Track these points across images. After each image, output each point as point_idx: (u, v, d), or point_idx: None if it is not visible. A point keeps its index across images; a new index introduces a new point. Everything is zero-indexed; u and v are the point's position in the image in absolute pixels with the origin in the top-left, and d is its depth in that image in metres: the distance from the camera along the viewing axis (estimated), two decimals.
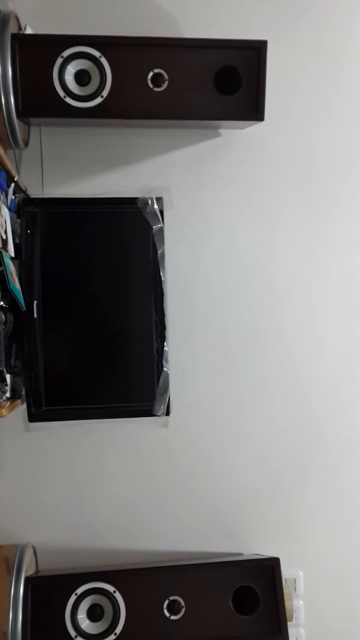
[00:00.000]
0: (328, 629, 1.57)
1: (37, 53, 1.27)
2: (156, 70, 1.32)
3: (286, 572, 1.43)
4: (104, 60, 1.29)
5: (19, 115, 1.29)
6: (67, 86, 1.28)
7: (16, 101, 1.27)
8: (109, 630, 1.29)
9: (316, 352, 1.56)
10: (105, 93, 1.30)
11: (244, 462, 1.54)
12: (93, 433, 1.49)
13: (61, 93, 1.28)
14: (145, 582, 1.34)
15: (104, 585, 1.31)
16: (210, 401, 1.53)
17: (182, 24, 1.47)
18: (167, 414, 1.37)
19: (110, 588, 1.31)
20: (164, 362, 1.38)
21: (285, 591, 1.38)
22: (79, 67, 1.29)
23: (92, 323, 1.37)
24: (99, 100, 1.30)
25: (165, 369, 1.38)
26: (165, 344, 1.37)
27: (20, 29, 1.36)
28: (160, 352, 1.37)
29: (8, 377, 1.25)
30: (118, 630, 1.29)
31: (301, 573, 1.56)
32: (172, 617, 1.32)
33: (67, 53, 1.28)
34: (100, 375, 1.37)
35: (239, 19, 1.49)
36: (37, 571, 1.45)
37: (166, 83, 1.33)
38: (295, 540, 1.56)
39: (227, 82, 1.35)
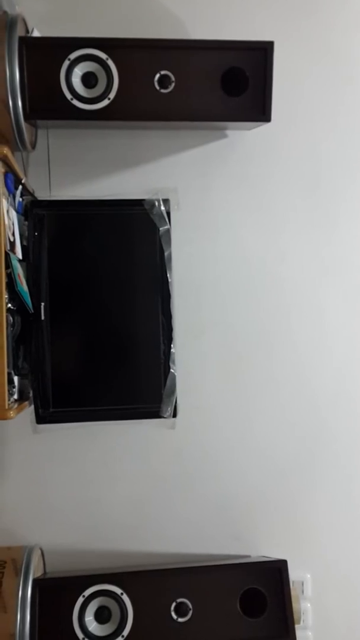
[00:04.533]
0: (336, 631, 1.57)
1: (44, 56, 1.28)
2: (163, 72, 1.32)
3: (294, 574, 1.43)
4: (110, 63, 1.29)
5: (26, 118, 1.29)
6: (74, 88, 1.29)
7: (23, 104, 1.28)
8: (117, 632, 1.29)
9: (323, 355, 1.56)
10: (112, 95, 1.30)
11: (251, 464, 1.54)
12: (100, 435, 1.49)
13: (68, 95, 1.28)
14: (153, 584, 1.34)
15: (111, 588, 1.31)
16: (217, 403, 1.53)
17: (189, 26, 1.47)
18: (174, 415, 1.37)
19: (117, 590, 1.31)
20: (170, 364, 1.38)
21: (292, 593, 1.38)
22: (86, 70, 1.30)
23: (99, 325, 1.38)
24: (106, 102, 1.30)
25: (172, 370, 1.38)
26: (172, 345, 1.37)
27: (27, 31, 1.37)
28: (167, 354, 1.37)
29: (16, 379, 1.26)
30: (125, 632, 1.29)
31: (309, 575, 1.55)
32: (180, 620, 1.32)
33: (74, 55, 1.28)
34: (107, 377, 1.38)
35: (246, 20, 1.49)
36: (44, 573, 1.45)
37: (173, 85, 1.33)
38: (303, 542, 1.56)
39: (233, 83, 1.35)
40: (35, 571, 1.32)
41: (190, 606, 1.33)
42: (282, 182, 1.54)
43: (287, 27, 1.51)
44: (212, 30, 1.42)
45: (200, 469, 1.53)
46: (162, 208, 1.36)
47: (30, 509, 1.49)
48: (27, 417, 1.35)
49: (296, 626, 1.37)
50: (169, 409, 1.37)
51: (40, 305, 1.31)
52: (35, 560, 1.35)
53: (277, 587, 1.36)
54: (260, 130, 1.47)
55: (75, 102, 1.29)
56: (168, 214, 1.37)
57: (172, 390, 1.37)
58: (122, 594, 1.30)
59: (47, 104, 1.29)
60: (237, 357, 1.53)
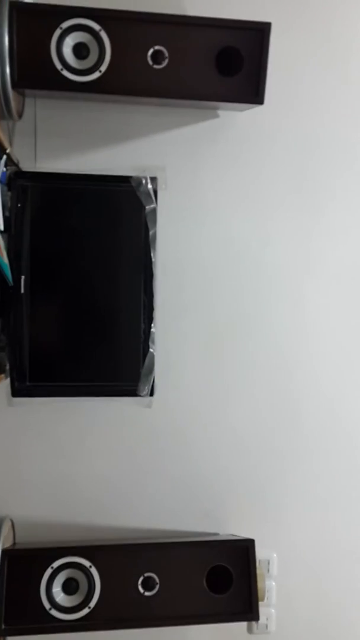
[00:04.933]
0: (298, 609, 1.61)
1: (35, 23, 1.24)
2: (157, 47, 1.29)
3: (260, 553, 1.46)
4: (103, 34, 1.26)
5: (14, 86, 1.26)
6: (64, 59, 1.26)
7: (12, 71, 1.24)
8: (83, 603, 1.31)
9: (304, 340, 1.57)
10: (103, 68, 1.27)
11: (224, 445, 1.56)
12: (76, 410, 1.50)
13: (58, 65, 1.25)
14: (121, 558, 1.36)
15: (80, 560, 1.32)
16: (194, 384, 1.54)
17: (186, 1, 1.44)
18: (151, 394, 1.38)
19: (86, 563, 1.32)
20: (150, 343, 1.38)
21: (258, 572, 1.41)
22: (77, 40, 1.26)
23: (80, 300, 1.37)
24: (96, 74, 1.27)
25: (151, 350, 1.38)
26: (152, 325, 1.38)
27: None
28: (147, 333, 1.38)
29: None
30: (92, 603, 1.31)
31: (275, 555, 1.59)
32: (147, 593, 1.35)
33: (66, 25, 1.25)
34: (85, 353, 1.38)
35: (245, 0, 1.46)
36: (14, 544, 1.46)
37: (166, 61, 1.30)
38: (271, 522, 1.59)
39: (228, 63, 1.33)
40: (4, 542, 1.34)
41: (157, 580, 1.35)
42: (272, 166, 1.53)
43: (286, 9, 1.48)
44: (209, 8, 1.39)
45: (173, 447, 1.54)
46: (149, 186, 1.35)
47: (2, 481, 1.49)
48: (3, 389, 1.35)
49: (260, 603, 1.40)
50: (146, 387, 1.38)
51: (20, 278, 1.30)
52: (5, 531, 1.36)
53: (244, 565, 1.39)
54: (252, 113, 1.46)
55: (65, 73, 1.26)
56: (155, 192, 1.36)
57: (150, 370, 1.38)
58: (90, 566, 1.32)
59: (36, 72, 1.26)
60: (217, 339, 1.54)
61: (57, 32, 1.25)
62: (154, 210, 1.36)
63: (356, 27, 1.52)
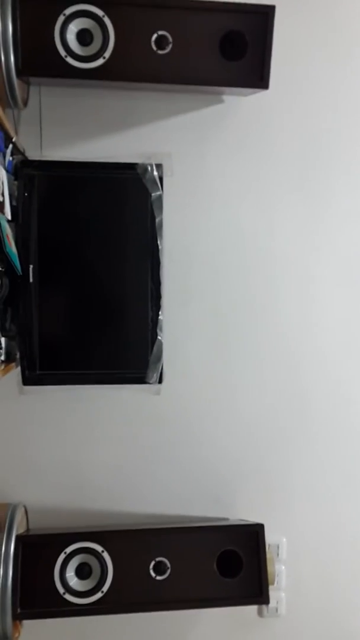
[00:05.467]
0: (307, 593, 1.63)
1: (38, 10, 1.23)
2: (160, 33, 1.28)
3: (270, 537, 1.47)
4: (107, 20, 1.26)
5: (18, 74, 1.25)
6: (68, 46, 1.25)
7: (16, 59, 1.24)
8: (96, 588, 1.33)
9: (310, 328, 1.57)
10: (107, 54, 1.26)
11: (234, 431, 1.57)
12: (86, 398, 1.51)
13: (62, 52, 1.25)
14: (133, 543, 1.38)
15: (92, 545, 1.34)
16: (202, 371, 1.54)
17: None
18: (160, 382, 1.39)
19: (98, 548, 1.34)
20: (158, 331, 1.38)
21: (268, 556, 1.42)
22: (81, 26, 1.26)
23: (88, 289, 1.37)
24: (101, 61, 1.27)
25: (159, 337, 1.38)
26: (160, 312, 1.38)
27: None
28: (155, 321, 1.38)
29: (3, 340, 1.26)
30: (105, 588, 1.33)
31: (284, 539, 1.60)
32: (158, 578, 1.36)
33: (69, 11, 1.24)
34: (94, 341, 1.38)
35: None
36: (27, 530, 1.48)
37: (170, 46, 1.29)
38: (280, 507, 1.60)
39: (232, 47, 1.32)
40: (18, 528, 1.35)
41: (169, 565, 1.36)
42: (278, 151, 1.52)
43: None
44: None
45: (183, 434, 1.55)
46: (155, 173, 1.35)
47: (15, 468, 1.51)
48: (14, 378, 1.35)
49: (270, 587, 1.41)
50: (154, 375, 1.38)
51: (29, 267, 1.30)
52: (19, 517, 1.38)
53: (253, 549, 1.40)
54: (257, 97, 1.45)
55: (70, 60, 1.25)
56: (161, 179, 1.35)
57: (159, 357, 1.38)
58: (102, 551, 1.34)
59: (40, 60, 1.25)
60: (224, 327, 1.54)
61: (61, 19, 1.24)
62: (160, 198, 1.35)
63: (358, 8, 1.50)
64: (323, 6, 1.49)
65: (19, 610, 1.30)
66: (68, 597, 1.32)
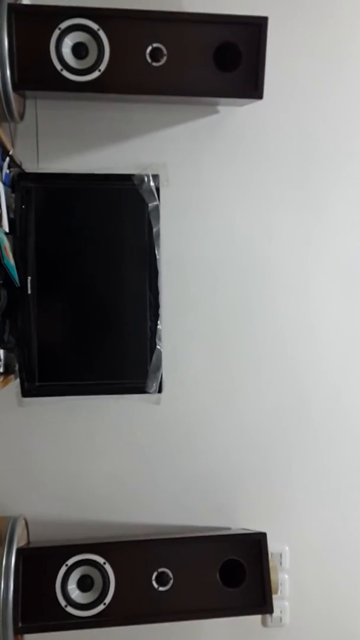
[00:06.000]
0: (311, 601, 1.62)
1: (34, 24, 1.25)
2: (155, 45, 1.30)
3: (272, 546, 1.47)
4: (102, 33, 1.27)
5: (14, 88, 1.27)
6: (64, 59, 1.26)
7: (12, 73, 1.25)
8: (99, 600, 1.32)
9: (309, 334, 1.57)
10: (102, 67, 1.28)
11: (234, 439, 1.57)
12: (86, 408, 1.51)
13: (58, 66, 1.26)
14: (135, 554, 1.37)
15: (94, 557, 1.33)
16: (202, 380, 1.54)
17: None
18: (160, 391, 1.39)
19: (100, 559, 1.33)
20: (157, 340, 1.38)
21: (270, 565, 1.42)
22: (76, 40, 1.27)
23: (86, 300, 1.38)
24: (96, 74, 1.28)
25: (158, 347, 1.39)
26: (158, 322, 1.38)
27: None
28: (154, 330, 1.38)
29: (1, 352, 1.26)
30: (107, 600, 1.32)
31: (287, 548, 1.60)
32: (161, 589, 1.35)
33: (64, 25, 1.25)
34: (93, 351, 1.38)
35: None
36: (28, 542, 1.48)
37: (165, 58, 1.31)
38: (282, 516, 1.59)
39: (226, 58, 1.33)
40: (19, 541, 1.35)
41: (171, 575, 1.35)
42: (273, 160, 1.53)
43: (284, 3, 1.48)
44: (206, 4, 1.39)
45: (183, 443, 1.55)
46: (152, 184, 1.35)
47: (15, 481, 1.51)
48: (13, 390, 1.35)
49: (274, 596, 1.41)
50: (154, 384, 1.38)
51: (27, 279, 1.31)
52: (20, 530, 1.37)
53: (256, 558, 1.40)
54: (252, 107, 1.46)
55: (65, 73, 1.27)
56: (157, 189, 1.36)
57: (158, 366, 1.38)
58: (104, 563, 1.33)
59: (36, 74, 1.27)
60: (223, 335, 1.55)
61: (56, 33, 1.25)
62: (157, 208, 1.36)
63: (353, 19, 1.52)
64: (316, 16, 1.51)
65: (20, 624, 1.29)
66: (70, 610, 1.31)
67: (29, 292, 1.31)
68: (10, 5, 1.24)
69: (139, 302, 1.37)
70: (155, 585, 1.35)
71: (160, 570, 1.36)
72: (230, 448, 1.57)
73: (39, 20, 1.25)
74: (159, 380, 1.38)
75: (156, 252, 1.36)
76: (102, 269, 1.37)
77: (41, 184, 1.32)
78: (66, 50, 1.27)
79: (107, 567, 1.33)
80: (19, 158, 1.39)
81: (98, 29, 1.27)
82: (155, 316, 1.38)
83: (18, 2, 1.32)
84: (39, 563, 1.32)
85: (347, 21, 1.52)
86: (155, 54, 1.30)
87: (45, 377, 1.34)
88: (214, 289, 1.53)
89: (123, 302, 1.39)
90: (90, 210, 1.36)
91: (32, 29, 1.25)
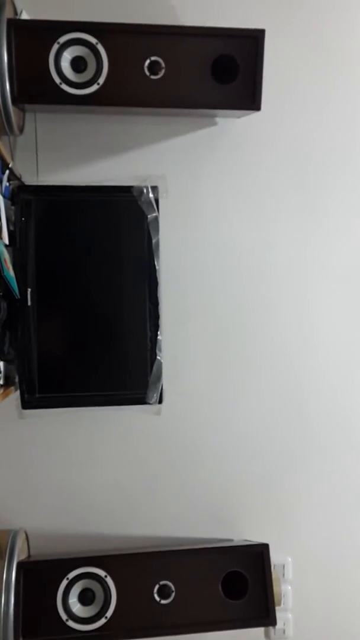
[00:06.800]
0: (315, 613, 1.60)
1: (33, 39, 1.26)
2: (153, 58, 1.31)
3: (275, 557, 1.45)
4: (100, 47, 1.28)
5: (14, 102, 1.28)
6: (63, 73, 1.27)
7: (11, 87, 1.26)
8: (100, 613, 1.31)
9: (309, 343, 1.57)
10: (101, 80, 1.29)
11: (235, 450, 1.56)
12: (86, 420, 1.50)
13: (57, 80, 1.27)
14: (136, 567, 1.36)
15: (95, 570, 1.33)
16: (202, 390, 1.54)
17: (180, 12, 1.46)
18: (160, 402, 1.38)
19: (101, 572, 1.32)
20: (157, 351, 1.38)
21: (273, 576, 1.41)
22: (75, 54, 1.28)
23: (86, 311, 1.38)
24: (95, 87, 1.29)
25: (158, 357, 1.39)
26: (158, 332, 1.38)
27: (16, 14, 1.34)
28: (154, 341, 1.38)
29: (1, 364, 1.26)
30: (109, 614, 1.31)
31: (290, 559, 1.59)
32: (163, 602, 1.34)
33: (63, 39, 1.27)
34: (93, 363, 1.38)
35: (238, 7, 1.48)
36: (29, 556, 1.47)
37: (163, 71, 1.32)
38: (285, 526, 1.59)
39: (224, 70, 1.34)
40: (19, 554, 1.34)
41: (173, 588, 1.34)
42: (271, 170, 1.54)
43: (280, 15, 1.50)
44: (203, 17, 1.41)
45: (184, 454, 1.54)
46: (151, 195, 1.36)
47: (16, 493, 1.50)
48: (13, 402, 1.35)
49: (277, 608, 1.40)
50: (154, 395, 1.38)
51: (27, 290, 1.31)
52: (20, 543, 1.37)
53: (259, 570, 1.39)
54: (250, 119, 1.47)
55: (64, 87, 1.28)
56: (156, 201, 1.36)
57: (158, 377, 1.38)
58: (105, 576, 1.32)
59: (35, 88, 1.28)
60: (223, 344, 1.55)
61: (55, 47, 1.27)
62: (156, 219, 1.37)
63: (349, 31, 1.54)
64: (312, 28, 1.52)
65: (21, 639, 1.28)
66: (71, 624, 1.30)
67: (29, 303, 1.31)
68: (9, 20, 1.25)
69: (139, 313, 1.38)
70: (157, 599, 1.34)
71: (162, 583, 1.35)
72: (232, 458, 1.56)
73: (38, 34, 1.27)
74: (159, 391, 1.38)
75: (155, 262, 1.37)
76: (102, 280, 1.37)
77: (41, 196, 1.33)
78: (65, 64, 1.28)
79: (109, 580, 1.32)
80: (18, 171, 1.40)
81: (96, 43, 1.28)
82: (155, 327, 1.38)
83: (17, 17, 1.33)
84: (40, 576, 1.32)
85: (343, 33, 1.54)
86: (154, 67, 1.32)
87: (45, 389, 1.34)
88: (213, 299, 1.54)
89: (123, 313, 1.39)
90: (89, 222, 1.36)
91: (32, 44, 1.26)
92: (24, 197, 1.31)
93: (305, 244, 1.56)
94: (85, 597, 1.32)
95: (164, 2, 1.45)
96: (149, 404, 1.38)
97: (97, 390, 1.38)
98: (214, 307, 1.54)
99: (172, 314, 1.49)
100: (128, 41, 1.30)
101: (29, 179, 1.42)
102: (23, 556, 1.40)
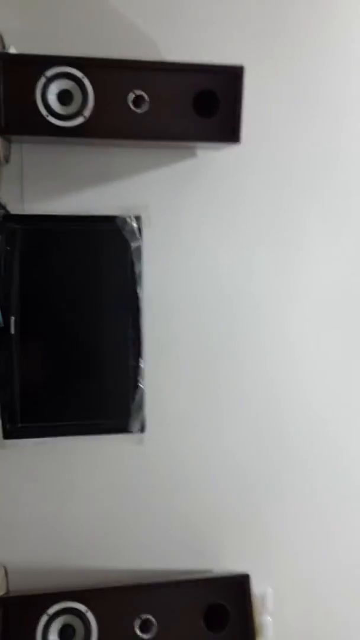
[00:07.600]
0: None
1: (20, 72, 1.28)
2: (137, 92, 1.34)
3: (255, 588, 1.45)
4: (86, 81, 1.31)
5: (1, 133, 1.29)
6: (49, 105, 1.29)
7: None
8: None
9: (291, 370, 1.59)
10: (87, 113, 1.31)
11: (217, 479, 1.56)
12: (68, 449, 1.48)
13: (44, 112, 1.29)
14: (117, 601, 1.34)
15: (75, 605, 1.30)
16: (185, 418, 1.54)
17: (164, 47, 1.49)
18: (143, 431, 1.38)
19: (82, 607, 1.30)
20: (139, 379, 1.38)
21: (254, 607, 1.40)
22: (61, 87, 1.30)
23: (70, 340, 1.38)
24: (81, 120, 1.31)
25: (140, 385, 1.39)
26: (141, 361, 1.38)
27: (4, 48, 1.37)
28: (136, 369, 1.38)
29: None
30: None
31: (270, 589, 1.57)
32: (145, 636, 1.32)
33: (50, 73, 1.29)
34: (76, 392, 1.37)
35: (219, 43, 1.52)
36: (7, 591, 1.43)
37: (147, 105, 1.35)
38: (265, 556, 1.58)
39: (205, 105, 1.38)
40: None
41: (155, 622, 1.33)
42: (250, 201, 1.57)
43: (259, 50, 1.54)
44: (185, 52, 1.45)
45: (166, 484, 1.53)
46: (134, 224, 1.38)
47: None
48: None
49: (258, 639, 1.38)
50: (137, 424, 1.38)
51: (10, 319, 1.30)
52: None
53: (240, 600, 1.38)
54: (229, 151, 1.51)
55: (51, 119, 1.30)
56: (140, 230, 1.38)
57: (141, 405, 1.38)
58: (86, 611, 1.30)
59: (22, 119, 1.29)
60: (206, 373, 1.55)
61: (42, 80, 1.29)
62: (139, 248, 1.38)
63: (326, 65, 1.59)
64: (290, 63, 1.57)
65: None
66: None
67: (13, 332, 1.30)
68: None
69: (122, 341, 1.38)
70: (139, 633, 1.32)
71: (143, 616, 1.33)
72: (213, 488, 1.56)
73: (26, 68, 1.28)
74: (141, 420, 1.38)
75: (138, 291, 1.38)
76: (86, 308, 1.37)
77: (26, 226, 1.33)
78: (52, 97, 1.30)
79: (90, 615, 1.30)
80: (4, 200, 1.41)
81: (82, 77, 1.31)
82: (138, 355, 1.38)
83: (5, 51, 1.35)
84: (19, 612, 1.29)
85: (320, 68, 1.59)
86: (138, 101, 1.35)
87: (27, 419, 1.32)
88: (196, 327, 1.55)
89: (106, 341, 1.39)
90: (74, 251, 1.37)
91: (19, 77, 1.28)
92: (10, 226, 1.31)
93: (285, 272, 1.59)
94: (66, 634, 1.29)
95: (148, 37, 1.49)
96: (131, 432, 1.37)
97: (79, 420, 1.37)
98: (196, 335, 1.55)
99: (155, 342, 1.49)
100: (113, 76, 1.33)
101: (15, 208, 1.42)
102: (2, 592, 1.36)
